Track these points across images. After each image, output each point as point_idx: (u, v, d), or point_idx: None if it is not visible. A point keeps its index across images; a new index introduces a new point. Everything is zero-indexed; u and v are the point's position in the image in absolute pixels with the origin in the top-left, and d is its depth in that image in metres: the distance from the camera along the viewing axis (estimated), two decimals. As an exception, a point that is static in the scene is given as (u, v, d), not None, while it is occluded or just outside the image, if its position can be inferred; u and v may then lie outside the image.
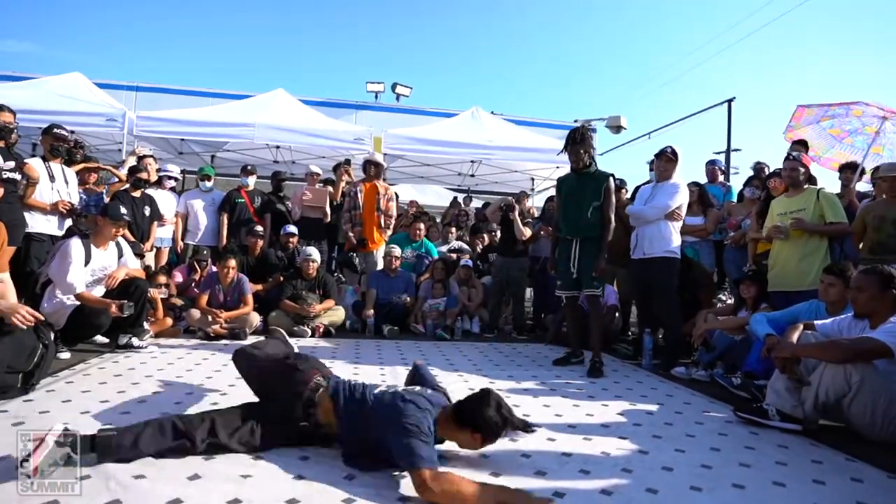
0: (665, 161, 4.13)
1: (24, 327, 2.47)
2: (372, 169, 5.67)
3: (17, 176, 3.77)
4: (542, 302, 6.12)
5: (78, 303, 3.52)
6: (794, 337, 2.73)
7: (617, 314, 5.24)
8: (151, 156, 6.20)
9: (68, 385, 2.87)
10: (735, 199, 5.72)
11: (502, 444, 2.28)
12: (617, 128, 14.52)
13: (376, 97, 15.41)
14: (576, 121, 16.22)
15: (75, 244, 3.61)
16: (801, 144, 5.04)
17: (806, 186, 3.93)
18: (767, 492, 1.95)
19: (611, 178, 3.96)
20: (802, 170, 3.91)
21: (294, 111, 7.86)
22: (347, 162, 6.52)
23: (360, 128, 7.84)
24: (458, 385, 3.31)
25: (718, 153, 15.28)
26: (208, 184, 6.11)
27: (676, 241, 4.13)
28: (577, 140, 3.93)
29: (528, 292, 6.47)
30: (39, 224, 4.13)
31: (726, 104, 12.73)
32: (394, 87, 15.65)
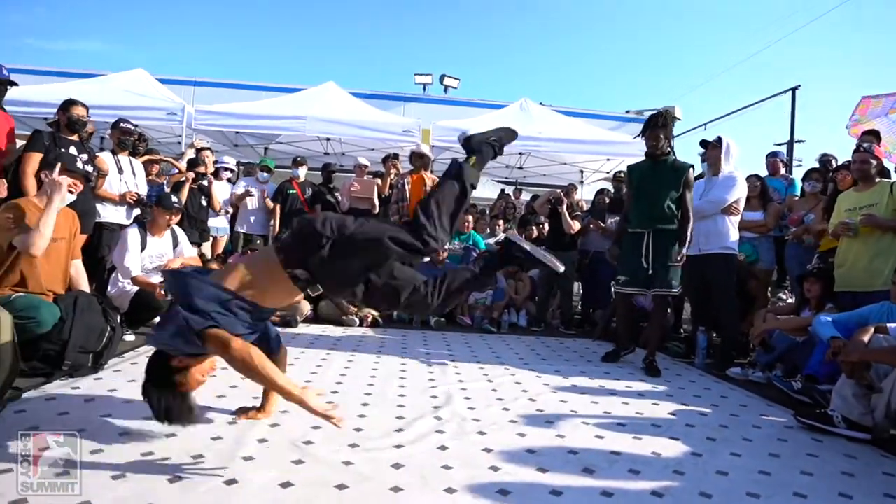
0: (711, 150, 4.03)
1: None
2: (419, 160, 5.69)
3: (90, 168, 4.00)
4: (591, 296, 6.01)
5: (137, 288, 3.72)
6: (865, 340, 2.57)
7: (668, 310, 5.08)
8: (208, 148, 6.43)
9: (133, 366, 3.03)
10: (798, 192, 5.42)
11: (549, 440, 2.28)
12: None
13: (424, 89, 15.42)
14: (627, 111, 15.79)
15: (132, 232, 3.81)
16: (872, 135, 4.70)
17: (878, 180, 3.66)
18: (832, 503, 1.85)
19: (691, 170, 3.71)
20: (874, 162, 3.63)
21: (344, 104, 7.99)
22: (396, 156, 6.56)
23: (408, 120, 7.88)
24: (504, 378, 3.30)
25: (780, 144, 14.57)
26: (266, 175, 6.28)
27: (734, 236, 3.97)
28: (659, 124, 3.70)
29: (577, 286, 6.37)
30: (109, 214, 4.36)
31: (790, 93, 12.07)
32: (442, 78, 15.60)
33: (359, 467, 1.89)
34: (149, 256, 3.88)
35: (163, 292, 3.62)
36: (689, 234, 3.65)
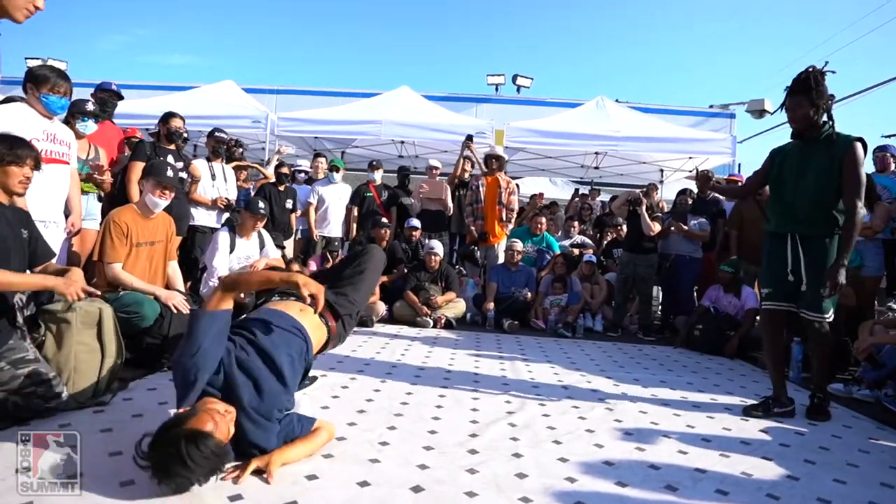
0: None
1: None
2: (493, 163, 5.67)
3: (184, 175, 4.31)
4: (671, 302, 5.73)
5: None
6: None
7: (758, 319, 4.75)
8: (278, 151, 6.73)
9: (223, 361, 3.22)
10: (913, 191, 4.89)
11: (628, 453, 2.19)
12: (760, 112, 13.10)
13: (497, 90, 15.35)
14: (711, 106, 14.96)
15: (222, 235, 4.06)
16: None
17: None
18: (956, 541, 1.65)
19: (857, 145, 2.61)
20: None
21: (418, 107, 8.11)
22: (470, 137, 6.50)
23: (481, 121, 7.87)
24: (580, 385, 3.22)
25: (890, 136, 13.25)
26: (337, 175, 6.39)
27: None
28: (798, 89, 2.65)
29: (656, 291, 6.10)
30: (202, 217, 4.67)
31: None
32: (514, 78, 15.44)
33: (434, 471, 1.90)
34: (237, 258, 4.12)
35: (242, 295, 3.83)
36: (851, 241, 2.60)
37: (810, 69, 2.64)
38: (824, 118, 2.68)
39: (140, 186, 3.27)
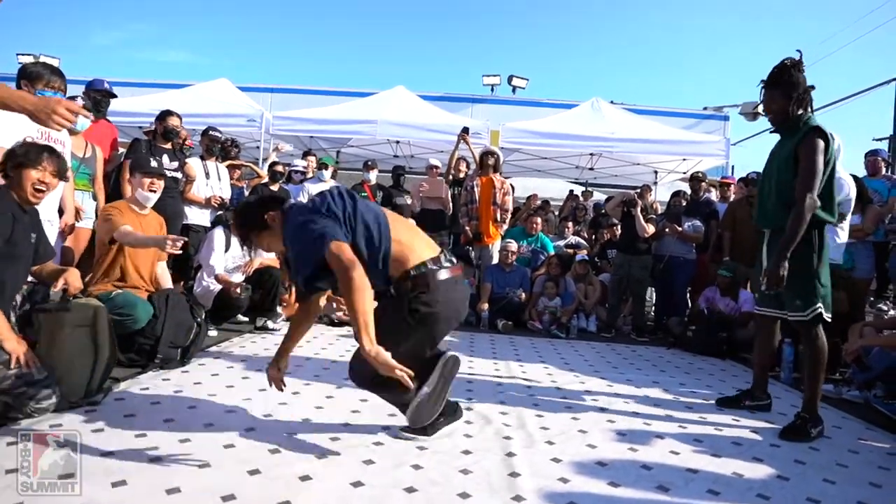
0: None
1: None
2: (490, 159, 5.68)
3: (179, 174, 4.29)
4: (665, 303, 5.76)
5: (220, 286, 3.95)
6: None
7: (752, 322, 4.78)
8: (276, 149, 6.72)
9: (216, 360, 3.22)
10: (903, 194, 4.94)
11: (621, 453, 2.20)
12: (754, 114, 13.14)
13: (492, 90, 15.37)
14: (705, 108, 15.04)
15: (217, 233, 4.06)
16: None
17: None
18: (943, 541, 1.68)
19: (813, 133, 2.48)
20: None
21: (413, 107, 8.11)
22: (466, 130, 6.49)
23: (476, 121, 7.88)
24: (573, 386, 3.23)
25: (880, 140, 13.38)
26: (326, 173, 6.16)
27: (836, 243, 3.62)
28: (773, 82, 2.60)
29: (649, 292, 6.13)
30: (196, 216, 4.65)
31: (894, 84, 11.05)
32: (510, 79, 15.48)
33: (427, 471, 1.91)
34: (231, 257, 4.11)
35: (238, 291, 3.84)
36: (795, 234, 2.47)
37: (785, 61, 2.59)
38: (801, 111, 2.59)
39: (129, 184, 3.27)
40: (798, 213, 2.46)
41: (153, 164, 3.24)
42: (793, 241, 2.47)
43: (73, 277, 2.33)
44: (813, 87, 2.59)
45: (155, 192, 3.22)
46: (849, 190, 3.61)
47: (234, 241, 4.16)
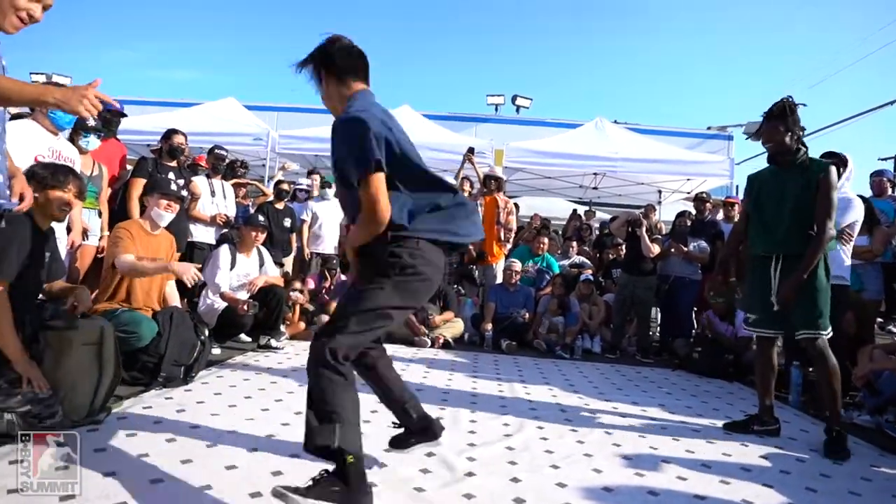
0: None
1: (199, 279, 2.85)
2: (493, 183, 5.71)
3: (185, 192, 4.32)
4: (670, 324, 5.72)
5: (225, 304, 3.95)
6: None
7: (754, 345, 4.73)
8: (283, 167, 6.76)
9: (219, 379, 3.20)
10: (910, 215, 4.92)
11: (627, 478, 2.17)
12: (757, 134, 13.24)
13: (496, 109, 15.55)
14: (709, 127, 15.13)
15: (223, 251, 4.07)
16: None
17: None
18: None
19: (831, 170, 2.72)
20: None
21: (418, 126, 8.17)
22: (471, 150, 6.53)
23: (481, 141, 7.92)
24: (578, 408, 3.20)
25: (885, 160, 13.39)
26: (330, 192, 6.26)
27: (845, 265, 3.61)
28: (775, 114, 2.80)
29: (654, 312, 6.10)
30: (200, 234, 4.67)
31: (897, 105, 11.08)
32: (514, 99, 15.67)
33: (430, 493, 1.88)
34: (236, 275, 4.12)
35: (245, 308, 3.83)
36: (814, 258, 2.68)
37: (786, 99, 2.82)
38: (797, 146, 2.82)
39: (145, 203, 3.30)
40: (820, 240, 2.68)
41: (173, 186, 3.29)
42: (811, 264, 2.69)
43: (83, 296, 2.34)
44: (804, 129, 2.85)
45: (171, 212, 3.25)
46: (860, 211, 3.60)
47: (240, 258, 4.17)
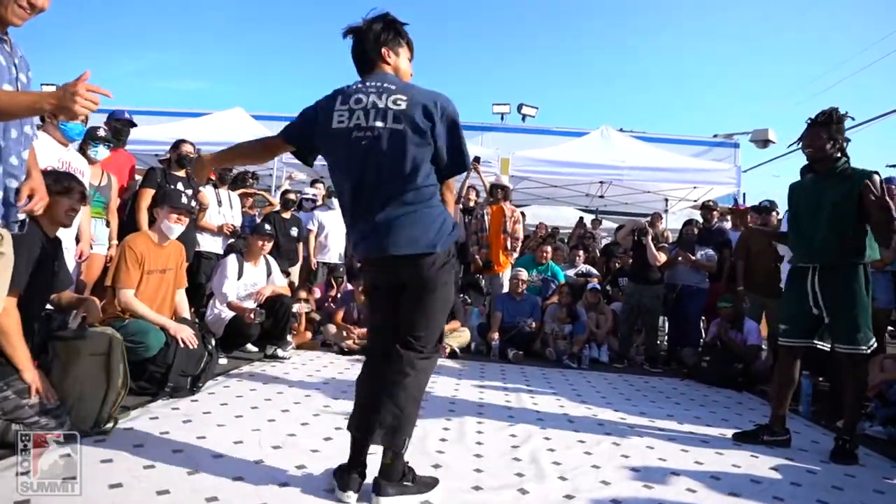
0: None
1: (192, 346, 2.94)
2: (499, 192, 5.71)
3: (194, 203, 4.35)
4: (678, 333, 5.68)
5: (233, 314, 3.96)
6: None
7: (764, 354, 4.70)
8: (290, 177, 6.80)
9: (225, 389, 3.20)
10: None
11: (635, 490, 2.15)
12: (764, 142, 13.18)
13: (502, 118, 15.57)
14: (715, 135, 15.08)
15: (231, 261, 4.09)
16: None
17: None
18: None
19: (875, 177, 2.64)
20: None
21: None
22: (477, 159, 6.54)
23: (487, 150, 7.95)
24: (585, 418, 3.17)
25: (894, 166, 13.30)
26: (335, 201, 6.16)
27: None
28: (819, 121, 2.78)
29: (662, 321, 6.06)
30: (208, 244, 4.69)
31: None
32: (520, 107, 15.68)
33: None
34: (244, 284, 4.13)
35: (252, 316, 3.84)
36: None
37: (833, 108, 2.80)
38: (838, 154, 2.79)
39: (155, 214, 3.32)
40: (891, 239, 2.65)
41: (184, 200, 3.32)
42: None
43: (93, 308, 2.36)
44: (849, 140, 2.82)
45: (181, 225, 3.29)
46: None
47: (248, 267, 4.18)
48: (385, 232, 1.78)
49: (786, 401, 2.99)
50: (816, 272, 2.83)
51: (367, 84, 1.84)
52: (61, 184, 2.31)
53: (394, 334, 1.90)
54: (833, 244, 2.76)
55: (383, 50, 1.90)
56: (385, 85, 1.82)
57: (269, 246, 4.34)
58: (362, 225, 1.83)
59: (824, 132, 2.76)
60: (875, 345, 2.77)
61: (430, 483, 1.95)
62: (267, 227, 4.36)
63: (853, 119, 2.82)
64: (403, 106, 1.77)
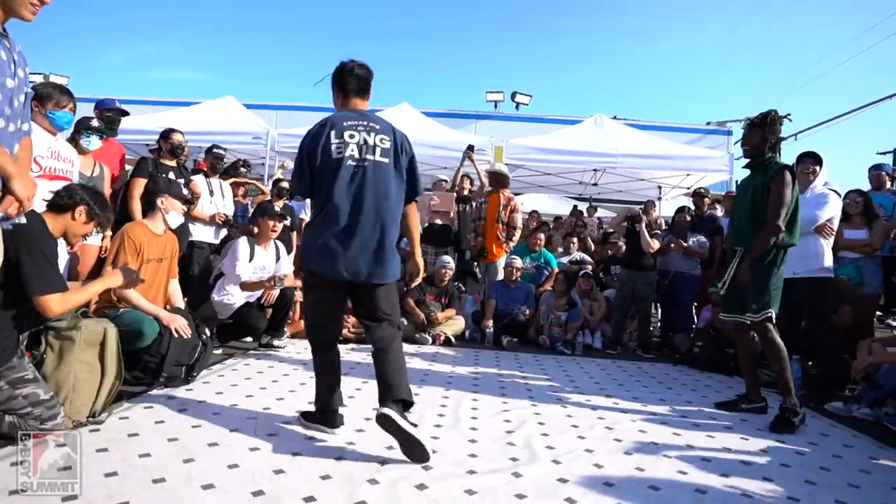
0: (809, 166, 3.73)
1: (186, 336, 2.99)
2: (495, 180, 5.71)
3: (186, 192, 4.32)
4: (671, 319, 5.73)
5: (243, 302, 3.95)
6: None
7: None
8: (282, 166, 6.76)
9: (220, 378, 3.21)
10: (908, 208, 4.92)
11: (628, 472, 2.18)
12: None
13: (496, 106, 15.52)
14: (708, 123, 15.12)
15: (242, 243, 4.04)
16: None
17: None
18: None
19: (785, 171, 2.98)
20: None
21: (417, 123, 8.15)
22: (471, 147, 6.52)
23: (480, 138, 7.92)
24: (579, 404, 3.20)
25: (884, 154, 13.37)
26: None
27: (829, 258, 3.66)
28: (755, 122, 3.14)
29: (655, 307, 6.10)
30: (200, 233, 4.67)
31: (896, 98, 11.05)
32: (513, 95, 15.64)
33: (431, 491, 1.89)
34: (254, 267, 4.09)
35: (273, 283, 3.95)
36: (759, 247, 3.00)
37: (772, 111, 3.13)
38: (769, 152, 3.14)
39: (160, 203, 3.29)
40: (766, 233, 2.98)
41: (185, 191, 3.34)
42: (757, 251, 3.01)
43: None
44: (782, 139, 3.22)
45: (182, 215, 3.35)
46: (836, 206, 3.77)
47: (258, 250, 4.12)
48: (371, 261, 2.24)
49: (752, 368, 3.34)
50: (740, 256, 3.16)
51: (357, 122, 2.29)
52: (106, 216, 2.40)
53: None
54: (749, 230, 3.10)
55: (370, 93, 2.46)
56: (371, 124, 2.31)
57: (279, 227, 4.26)
58: (342, 243, 2.20)
59: (759, 132, 3.12)
60: (771, 314, 3.05)
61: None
62: (277, 207, 4.31)
63: (791, 120, 3.12)
64: (388, 145, 2.30)
